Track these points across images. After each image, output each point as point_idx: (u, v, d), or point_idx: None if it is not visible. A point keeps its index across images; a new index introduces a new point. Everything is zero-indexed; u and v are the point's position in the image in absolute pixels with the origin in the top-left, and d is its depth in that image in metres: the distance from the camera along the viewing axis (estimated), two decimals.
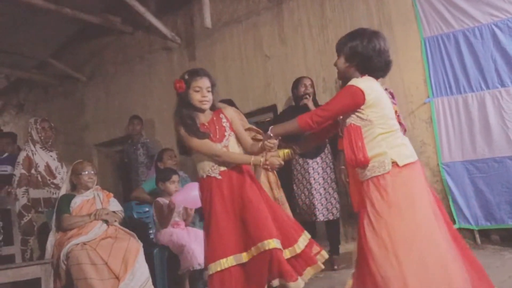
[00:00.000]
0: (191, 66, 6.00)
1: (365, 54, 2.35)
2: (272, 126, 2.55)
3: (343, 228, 4.63)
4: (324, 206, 4.14)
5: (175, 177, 4.16)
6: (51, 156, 4.45)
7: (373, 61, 2.37)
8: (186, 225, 4.04)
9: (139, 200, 4.28)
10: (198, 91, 2.70)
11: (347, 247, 4.56)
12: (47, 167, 4.35)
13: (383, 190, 2.20)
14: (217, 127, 2.77)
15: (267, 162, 2.56)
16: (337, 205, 4.19)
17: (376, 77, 2.45)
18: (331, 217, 4.14)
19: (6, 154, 4.94)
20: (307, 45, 5.07)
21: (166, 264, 3.85)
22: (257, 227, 2.53)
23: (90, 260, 3.31)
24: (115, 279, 3.31)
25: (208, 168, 2.71)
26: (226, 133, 2.79)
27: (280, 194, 3.96)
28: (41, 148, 4.40)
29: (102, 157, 7.09)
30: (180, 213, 4.04)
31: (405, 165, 2.23)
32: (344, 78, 2.50)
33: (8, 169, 4.61)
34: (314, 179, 4.18)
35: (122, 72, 6.82)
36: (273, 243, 2.45)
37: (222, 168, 2.70)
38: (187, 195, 3.64)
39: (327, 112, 2.36)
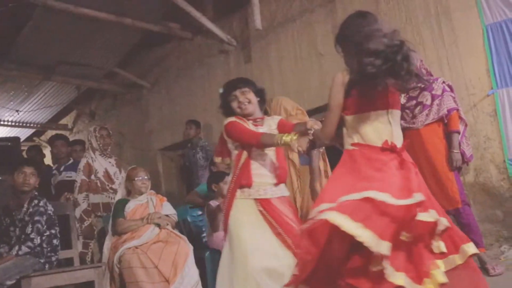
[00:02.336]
0: (247, 68, 6.04)
1: None
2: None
3: None
4: None
5: (228, 178, 4.17)
6: (110, 162, 4.64)
7: None
8: None
9: (192, 203, 4.34)
10: None
11: None
12: (106, 173, 4.53)
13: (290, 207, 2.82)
14: None
15: None
16: None
17: None
18: None
19: (71, 161, 5.19)
20: None
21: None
22: None
23: (141, 264, 3.41)
24: (165, 282, 3.39)
25: None
26: None
27: None
28: (100, 155, 4.60)
29: (167, 161, 7.28)
30: None
31: None
32: None
33: (73, 175, 4.83)
34: None
35: (183, 77, 6.96)
36: None
37: None
38: None
39: None
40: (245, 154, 2.70)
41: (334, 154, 4.06)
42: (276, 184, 2.71)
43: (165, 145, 7.23)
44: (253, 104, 2.79)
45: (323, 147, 4.00)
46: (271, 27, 5.76)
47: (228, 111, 2.82)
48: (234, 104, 2.77)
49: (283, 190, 2.77)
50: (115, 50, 7.10)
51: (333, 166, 4.00)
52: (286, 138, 2.52)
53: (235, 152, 2.75)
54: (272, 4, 5.80)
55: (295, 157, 3.89)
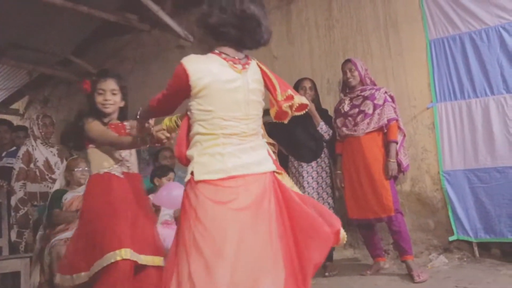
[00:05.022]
0: None
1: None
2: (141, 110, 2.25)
3: None
4: None
5: (171, 174, 4.15)
6: (51, 151, 4.54)
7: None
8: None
9: None
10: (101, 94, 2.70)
11: (344, 253, 4.45)
12: (46, 162, 4.44)
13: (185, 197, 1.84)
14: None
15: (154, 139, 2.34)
16: (330, 210, 4.08)
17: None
18: None
19: (14, 148, 5.06)
20: (313, 45, 4.97)
21: None
22: None
23: None
24: None
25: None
26: None
27: None
28: (41, 143, 4.50)
29: None
30: (172, 212, 4.03)
31: (200, 181, 1.77)
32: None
33: (13, 162, 4.71)
34: (307, 183, 4.09)
35: (139, 69, 6.88)
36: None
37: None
38: (169, 195, 3.64)
39: (164, 93, 1.97)
40: None
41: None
42: None
43: None
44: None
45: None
46: None
47: None
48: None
49: None
50: (71, 37, 6.95)
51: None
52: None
53: None
54: None
55: None
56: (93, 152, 2.66)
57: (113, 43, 7.30)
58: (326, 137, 4.17)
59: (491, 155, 3.76)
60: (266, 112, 5.25)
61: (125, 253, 2.33)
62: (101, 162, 2.64)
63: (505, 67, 3.75)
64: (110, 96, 2.71)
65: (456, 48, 4.01)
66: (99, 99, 2.70)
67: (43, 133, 4.50)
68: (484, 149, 3.80)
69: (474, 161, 3.85)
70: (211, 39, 1.94)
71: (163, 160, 4.59)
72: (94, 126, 2.63)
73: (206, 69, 1.83)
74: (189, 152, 1.86)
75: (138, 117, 2.27)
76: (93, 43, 7.37)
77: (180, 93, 1.88)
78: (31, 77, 7.89)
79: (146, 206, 2.76)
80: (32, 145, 4.45)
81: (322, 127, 4.16)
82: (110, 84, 2.73)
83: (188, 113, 1.90)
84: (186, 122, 1.92)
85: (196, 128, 1.85)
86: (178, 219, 2.15)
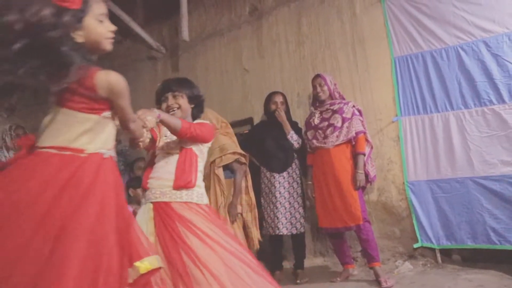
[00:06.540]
0: (174, 76, 6.10)
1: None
2: (161, 112, 2.32)
3: (312, 242, 4.68)
4: (288, 220, 4.20)
5: None
6: None
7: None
8: None
9: None
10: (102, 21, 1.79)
11: (315, 261, 4.61)
12: None
13: (204, 215, 2.35)
14: None
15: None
16: (301, 220, 4.24)
17: None
18: (294, 231, 4.20)
19: None
20: (283, 60, 5.14)
21: None
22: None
23: None
24: None
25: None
26: None
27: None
28: (14, 154, 4.49)
29: None
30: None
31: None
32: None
33: None
34: (279, 192, 4.24)
35: None
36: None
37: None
38: None
39: (202, 134, 2.49)
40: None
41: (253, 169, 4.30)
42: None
43: None
44: (183, 110, 2.57)
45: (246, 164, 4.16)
46: (199, 38, 5.89)
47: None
48: (163, 106, 2.60)
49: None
50: None
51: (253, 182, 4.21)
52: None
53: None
54: (202, 16, 5.93)
55: (220, 172, 4.00)
56: (105, 124, 1.80)
57: None
58: (296, 145, 4.33)
59: (452, 166, 4.01)
60: (239, 123, 5.36)
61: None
62: (108, 139, 1.82)
63: (463, 85, 4.01)
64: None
65: (418, 66, 4.26)
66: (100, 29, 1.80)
67: (15, 144, 4.50)
68: (445, 160, 4.04)
69: (436, 172, 4.08)
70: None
71: (138, 171, 4.66)
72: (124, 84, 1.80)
73: None
74: (198, 182, 2.44)
75: (157, 118, 2.23)
76: None
77: (208, 140, 2.56)
78: None
79: None
80: (5, 156, 4.45)
81: (293, 136, 4.32)
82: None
83: (198, 152, 2.52)
84: (196, 157, 2.50)
85: (200, 165, 2.52)
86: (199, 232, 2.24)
